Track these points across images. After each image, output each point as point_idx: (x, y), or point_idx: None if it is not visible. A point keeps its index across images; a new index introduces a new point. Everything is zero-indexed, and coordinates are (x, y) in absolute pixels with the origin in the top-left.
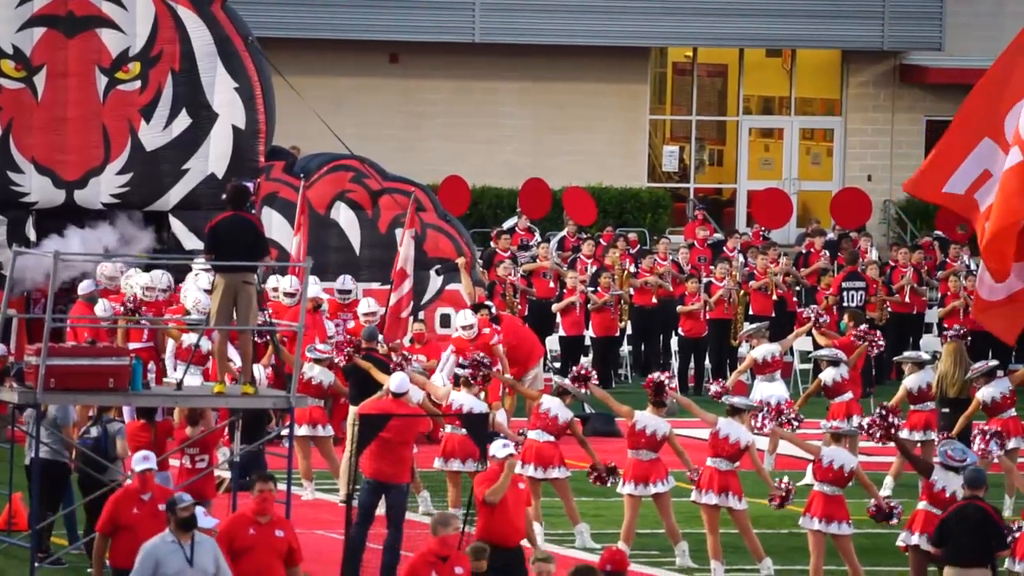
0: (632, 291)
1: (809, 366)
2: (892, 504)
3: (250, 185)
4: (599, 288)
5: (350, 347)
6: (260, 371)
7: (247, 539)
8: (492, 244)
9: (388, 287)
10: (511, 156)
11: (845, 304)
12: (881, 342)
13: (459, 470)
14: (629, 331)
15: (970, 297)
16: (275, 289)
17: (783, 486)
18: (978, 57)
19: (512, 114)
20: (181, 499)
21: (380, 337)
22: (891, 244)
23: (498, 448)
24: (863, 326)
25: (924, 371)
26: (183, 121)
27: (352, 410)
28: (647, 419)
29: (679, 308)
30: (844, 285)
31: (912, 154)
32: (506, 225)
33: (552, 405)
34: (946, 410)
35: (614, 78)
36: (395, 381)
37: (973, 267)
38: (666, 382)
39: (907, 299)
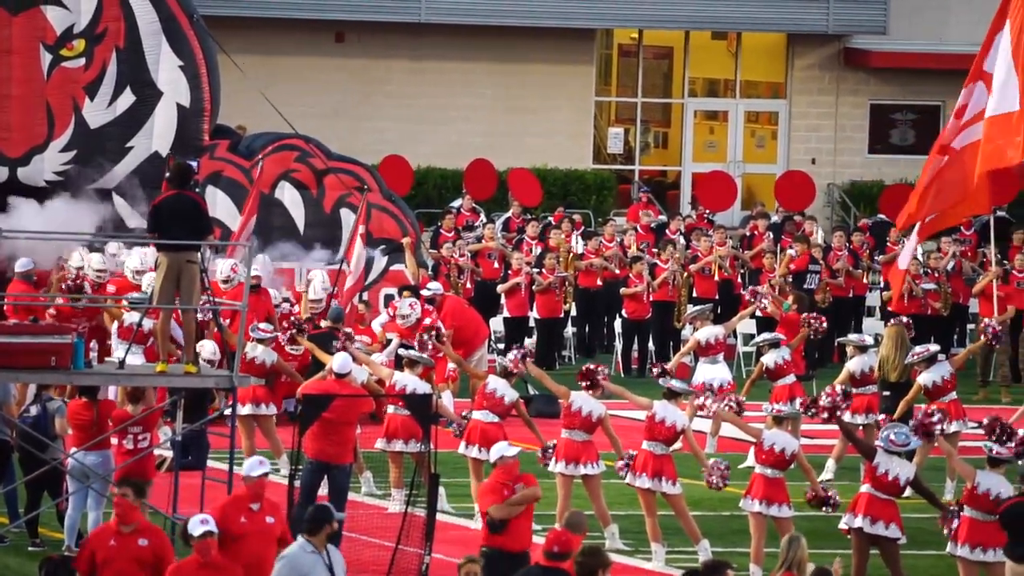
0: (577, 273)
1: (753, 349)
2: (829, 491)
3: (194, 164)
4: (544, 270)
5: (293, 328)
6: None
7: (239, 527)
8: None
9: (337, 267)
10: (456, 137)
11: (806, 287)
12: (824, 326)
13: (402, 450)
14: (574, 313)
15: (915, 281)
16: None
17: (718, 468)
18: (922, 41)
19: (458, 95)
20: (334, 514)
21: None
22: (833, 227)
23: (503, 448)
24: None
25: (867, 354)
26: (127, 99)
27: None
28: (583, 400)
29: (623, 290)
30: (809, 268)
31: (856, 137)
32: (451, 205)
33: (498, 386)
34: (887, 393)
35: (560, 60)
36: (337, 361)
37: (917, 252)
38: (598, 373)
39: (842, 282)
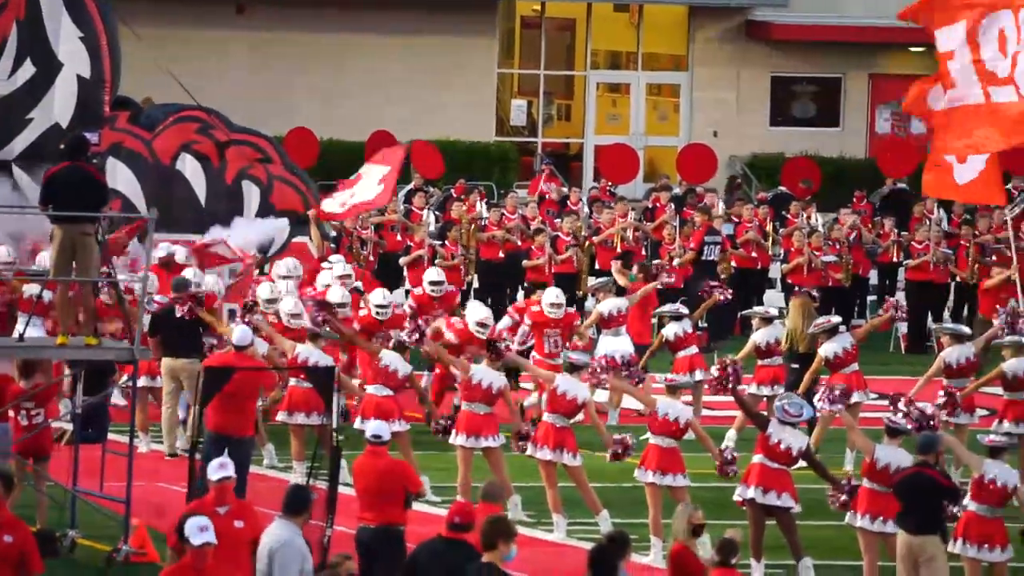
0: (479, 244)
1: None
2: (731, 456)
3: (92, 136)
4: (447, 242)
5: (191, 301)
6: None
7: None
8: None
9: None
10: (358, 109)
11: (704, 258)
12: (729, 293)
13: (303, 423)
14: (476, 285)
15: (814, 253)
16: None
17: (619, 440)
18: (822, 14)
19: (360, 67)
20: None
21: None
22: (736, 200)
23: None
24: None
25: (772, 326)
26: (27, 70)
27: None
28: (483, 372)
29: (525, 263)
30: (706, 240)
31: (758, 110)
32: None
33: (392, 360)
34: (795, 365)
35: (462, 32)
36: (236, 334)
37: (817, 224)
38: (500, 343)
39: (744, 252)
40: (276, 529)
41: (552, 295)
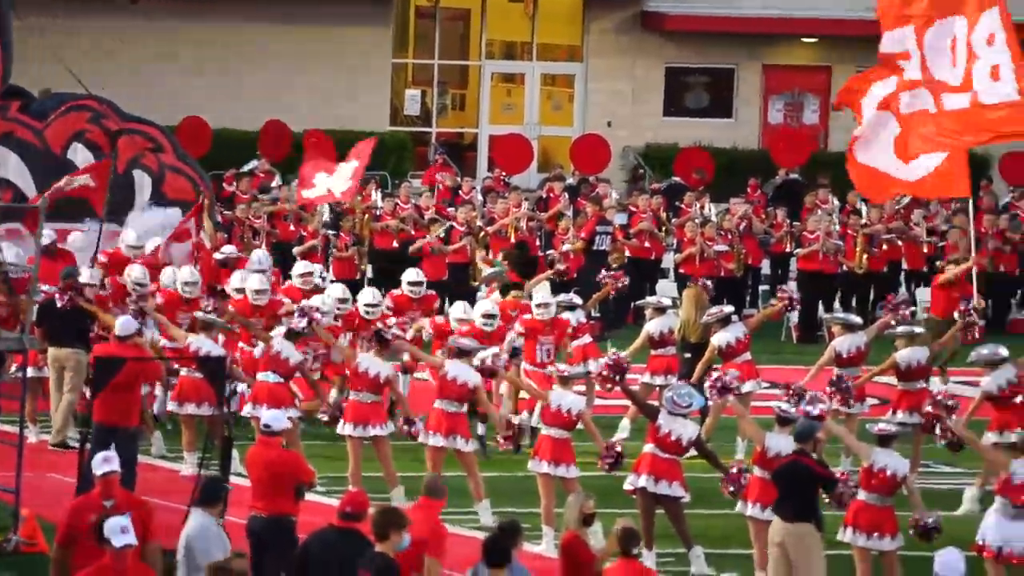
0: (373, 234)
1: None
2: (617, 447)
3: None
4: (341, 232)
5: (70, 290)
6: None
7: (90, 527)
8: (226, 185)
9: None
10: (252, 98)
11: (595, 248)
12: (624, 282)
13: (194, 413)
14: (369, 275)
15: (707, 243)
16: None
17: (512, 428)
18: (717, 5)
19: (255, 56)
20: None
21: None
22: (630, 189)
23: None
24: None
25: (666, 316)
26: None
27: None
28: (369, 361)
29: (411, 248)
30: (597, 230)
31: (652, 100)
32: (246, 167)
33: (283, 348)
34: (688, 355)
35: (357, 22)
36: (119, 324)
37: (710, 214)
38: (387, 331)
39: (637, 242)
40: (193, 520)
41: (539, 297)
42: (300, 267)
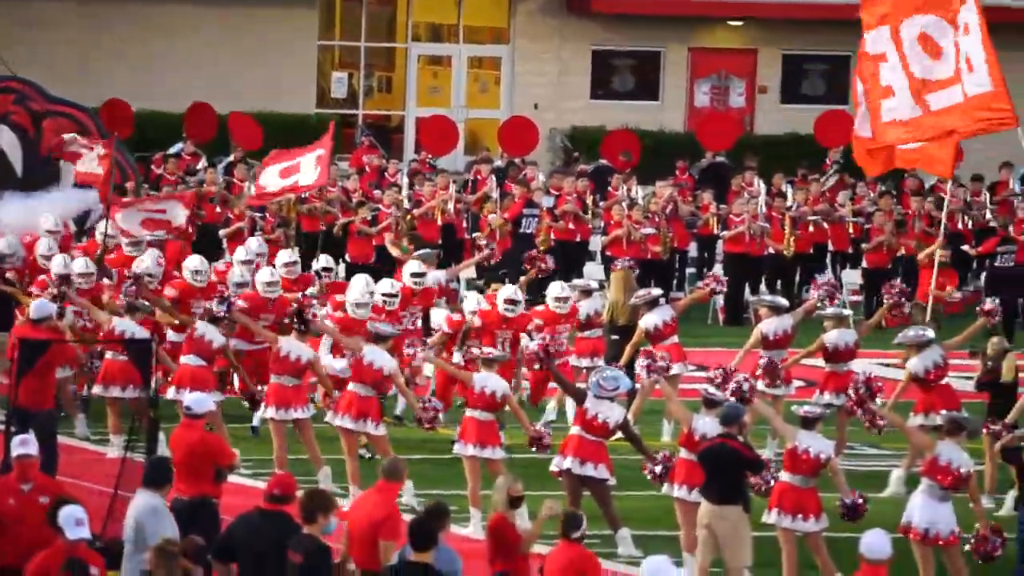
0: (299, 216)
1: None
2: (543, 432)
3: None
4: (267, 214)
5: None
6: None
7: (10, 510)
8: (154, 167)
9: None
10: (177, 80)
11: (522, 231)
12: (549, 264)
13: (119, 396)
14: (296, 257)
15: (634, 226)
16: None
17: (428, 409)
18: None
19: (180, 38)
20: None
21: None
22: (552, 172)
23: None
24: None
25: (592, 298)
26: None
27: None
28: (291, 345)
29: (336, 227)
30: (524, 212)
31: (578, 83)
32: (173, 150)
33: (207, 331)
34: (615, 337)
35: (283, 4)
36: (34, 307)
37: (637, 197)
38: (307, 312)
39: (564, 225)
40: (140, 500)
41: (509, 291)
42: (284, 256)
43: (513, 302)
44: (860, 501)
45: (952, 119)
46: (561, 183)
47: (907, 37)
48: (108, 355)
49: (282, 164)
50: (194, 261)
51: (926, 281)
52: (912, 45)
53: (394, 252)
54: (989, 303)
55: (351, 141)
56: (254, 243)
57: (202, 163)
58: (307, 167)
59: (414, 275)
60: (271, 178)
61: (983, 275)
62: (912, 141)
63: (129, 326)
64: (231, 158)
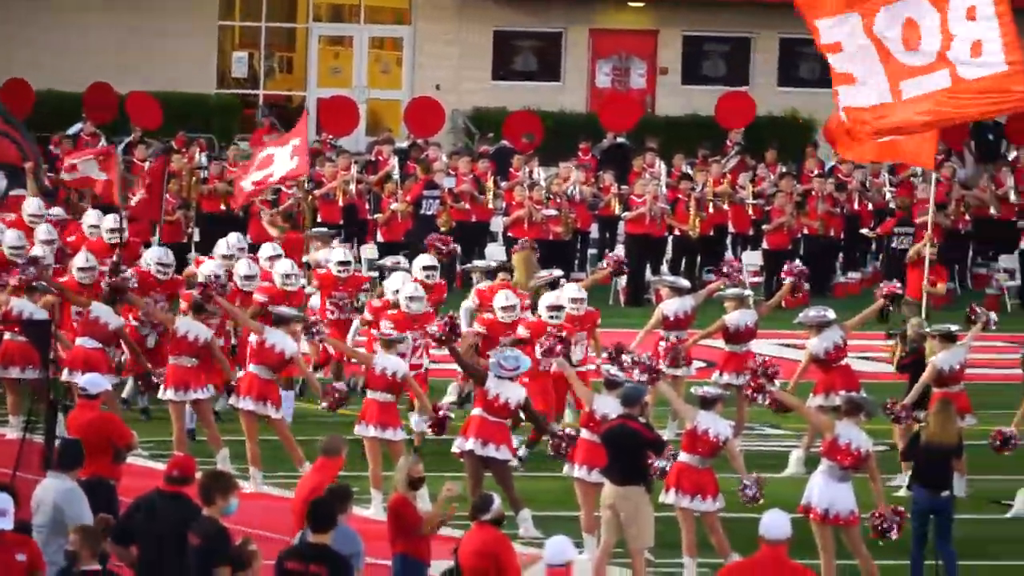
0: (200, 197)
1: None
2: (442, 411)
3: None
4: (167, 195)
5: None
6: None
7: None
8: (52, 147)
9: None
10: (76, 59)
11: (423, 212)
12: (451, 246)
13: (18, 377)
14: (197, 238)
15: (535, 207)
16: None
17: (334, 390)
18: None
19: (81, 17)
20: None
21: None
22: (451, 153)
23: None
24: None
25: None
26: None
27: None
28: (188, 325)
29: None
30: (424, 194)
31: (480, 65)
32: (71, 130)
33: (101, 313)
34: None
35: None
36: None
37: (538, 178)
38: (212, 290)
39: (465, 205)
40: (53, 482)
41: (503, 298)
42: (338, 254)
43: (508, 308)
44: (756, 487)
45: (927, 104)
46: (457, 163)
47: (887, 22)
48: (7, 336)
49: (256, 162)
50: (284, 266)
51: (914, 279)
52: (892, 29)
53: (272, 232)
54: (886, 285)
55: (252, 121)
56: (233, 238)
57: (100, 143)
58: (282, 158)
59: (425, 268)
60: (247, 180)
61: (880, 256)
62: (873, 128)
63: (27, 306)
64: (131, 138)
